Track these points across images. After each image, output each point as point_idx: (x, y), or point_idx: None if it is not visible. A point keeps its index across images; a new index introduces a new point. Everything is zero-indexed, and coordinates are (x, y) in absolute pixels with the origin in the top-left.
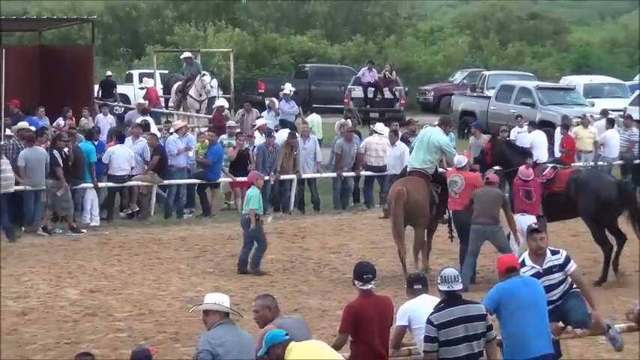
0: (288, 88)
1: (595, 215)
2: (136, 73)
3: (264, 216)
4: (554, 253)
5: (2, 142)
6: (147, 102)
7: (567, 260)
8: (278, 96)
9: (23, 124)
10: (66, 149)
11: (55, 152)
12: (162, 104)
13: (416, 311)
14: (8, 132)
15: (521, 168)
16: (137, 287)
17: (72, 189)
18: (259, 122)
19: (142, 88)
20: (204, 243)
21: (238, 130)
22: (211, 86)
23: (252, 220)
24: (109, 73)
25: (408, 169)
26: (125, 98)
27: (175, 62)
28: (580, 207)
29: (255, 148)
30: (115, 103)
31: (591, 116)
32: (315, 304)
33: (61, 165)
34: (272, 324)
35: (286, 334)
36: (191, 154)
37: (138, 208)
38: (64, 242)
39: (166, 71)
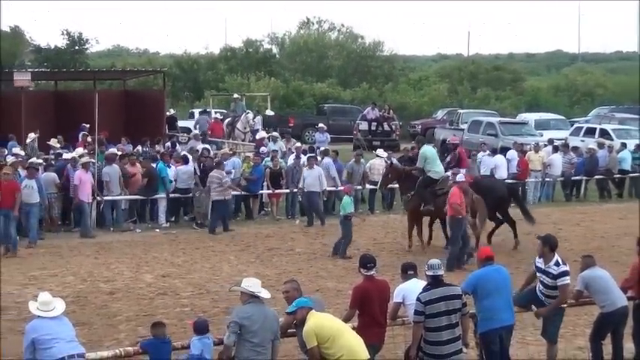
0: (322, 124)
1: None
2: (196, 111)
3: (354, 215)
4: (558, 264)
5: (99, 164)
6: (203, 133)
7: (560, 275)
8: (306, 129)
9: (112, 149)
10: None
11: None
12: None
13: (409, 291)
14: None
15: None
16: (197, 273)
17: (149, 198)
18: (297, 144)
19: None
20: (248, 240)
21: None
22: (254, 121)
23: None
24: (171, 111)
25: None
26: (188, 130)
27: (226, 103)
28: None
29: (287, 167)
30: (180, 134)
31: (539, 144)
32: (332, 286)
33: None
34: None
35: (310, 302)
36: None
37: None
38: (142, 239)
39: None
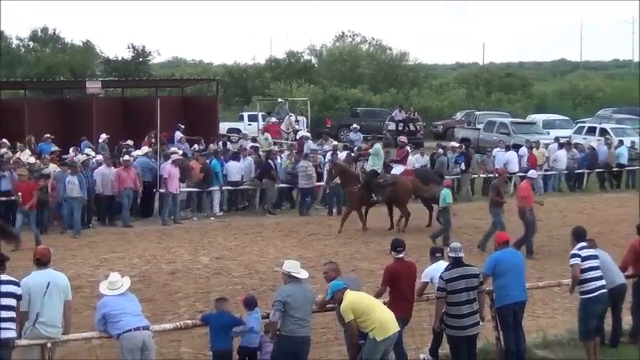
0: (355, 125)
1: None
2: (245, 114)
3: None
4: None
5: (160, 161)
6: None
7: (570, 257)
8: (341, 129)
9: (173, 148)
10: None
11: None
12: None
13: (436, 271)
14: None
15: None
16: (247, 255)
17: (205, 191)
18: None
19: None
20: (291, 226)
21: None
22: (297, 122)
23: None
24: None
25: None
26: (238, 131)
27: (271, 107)
28: None
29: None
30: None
31: (539, 141)
32: (365, 267)
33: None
34: (334, 281)
35: (344, 284)
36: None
37: (247, 203)
38: (199, 226)
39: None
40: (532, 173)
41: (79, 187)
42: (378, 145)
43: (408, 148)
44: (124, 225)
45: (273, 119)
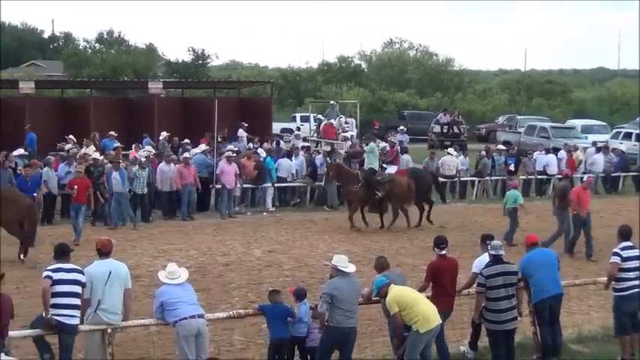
0: (402, 127)
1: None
2: (297, 115)
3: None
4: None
5: (217, 159)
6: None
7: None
8: (389, 131)
9: (230, 146)
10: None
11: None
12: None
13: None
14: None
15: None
16: (297, 249)
17: (258, 187)
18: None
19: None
20: (339, 222)
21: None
22: (347, 124)
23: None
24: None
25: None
26: (290, 131)
27: (322, 109)
28: None
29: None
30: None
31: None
32: (409, 262)
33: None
34: (381, 275)
35: (387, 280)
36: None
37: (299, 200)
38: (252, 221)
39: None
40: (587, 178)
41: (121, 182)
42: (373, 144)
43: (399, 147)
44: (183, 219)
45: (332, 121)
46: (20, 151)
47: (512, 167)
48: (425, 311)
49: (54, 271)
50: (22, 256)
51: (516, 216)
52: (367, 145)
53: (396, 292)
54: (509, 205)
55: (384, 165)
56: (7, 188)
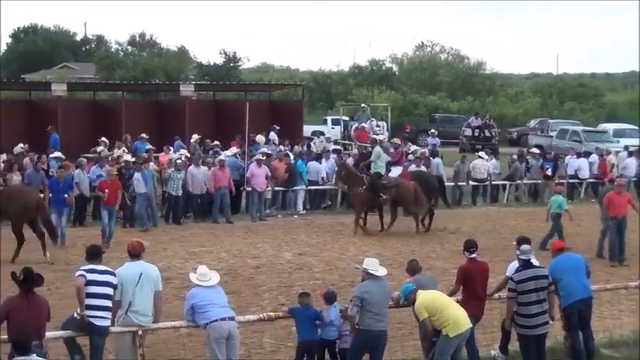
0: (433, 130)
1: None
2: (329, 118)
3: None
4: None
5: (248, 162)
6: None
7: None
8: (420, 134)
9: (263, 149)
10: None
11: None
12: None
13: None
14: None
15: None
16: (328, 252)
17: (289, 190)
18: (413, 148)
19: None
20: (370, 225)
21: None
22: (378, 127)
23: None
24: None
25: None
26: (321, 134)
27: (353, 111)
28: None
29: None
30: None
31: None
32: (440, 265)
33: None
34: (412, 278)
35: (413, 286)
36: None
37: (330, 203)
38: (283, 223)
39: (347, 117)
40: (618, 182)
41: (144, 184)
42: (379, 148)
43: (403, 148)
44: (213, 221)
45: (363, 124)
46: (57, 153)
47: (549, 172)
48: (455, 315)
49: (87, 271)
50: (47, 256)
51: (559, 222)
52: (373, 149)
53: (424, 297)
54: (554, 210)
55: (389, 167)
56: (16, 186)
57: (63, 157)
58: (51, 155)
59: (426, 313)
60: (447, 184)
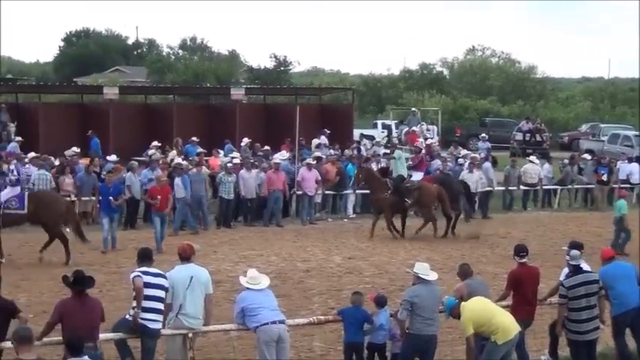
0: (483, 134)
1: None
2: (379, 122)
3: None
4: None
5: (298, 165)
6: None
7: None
8: (470, 138)
9: (317, 153)
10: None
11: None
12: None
13: None
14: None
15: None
16: (378, 256)
17: (339, 193)
18: (463, 152)
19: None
20: (421, 231)
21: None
22: (428, 131)
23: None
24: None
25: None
26: (372, 138)
27: (403, 116)
28: None
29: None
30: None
31: None
32: (490, 270)
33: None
34: (463, 283)
35: (456, 300)
36: None
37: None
38: (333, 227)
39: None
40: None
41: (183, 189)
42: (399, 152)
43: (424, 152)
44: (264, 224)
45: (414, 128)
46: (113, 157)
47: (604, 177)
48: (503, 322)
49: (142, 273)
50: (69, 262)
51: (622, 226)
52: (393, 152)
53: (469, 311)
54: (617, 213)
55: (410, 171)
56: (45, 191)
57: (117, 160)
58: (108, 158)
59: (472, 329)
60: (497, 188)
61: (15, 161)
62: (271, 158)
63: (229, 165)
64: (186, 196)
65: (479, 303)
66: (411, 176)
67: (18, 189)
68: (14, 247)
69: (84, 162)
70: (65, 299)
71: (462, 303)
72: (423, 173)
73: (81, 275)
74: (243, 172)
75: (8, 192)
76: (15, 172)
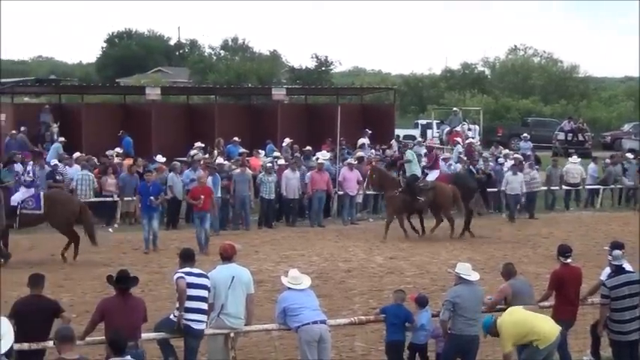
0: (525, 134)
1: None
2: (420, 122)
3: None
4: None
5: (339, 166)
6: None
7: None
8: (512, 138)
9: (360, 154)
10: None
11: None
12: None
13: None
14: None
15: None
16: (419, 256)
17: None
18: (504, 151)
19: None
20: (460, 230)
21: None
22: (469, 129)
23: None
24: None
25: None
26: (413, 138)
27: (445, 115)
28: None
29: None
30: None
31: None
32: (532, 270)
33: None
34: (507, 283)
35: (492, 317)
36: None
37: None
38: (374, 227)
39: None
40: None
41: (213, 188)
42: (412, 151)
43: (438, 151)
44: (310, 225)
45: (457, 128)
46: (159, 157)
47: None
48: (542, 329)
49: (185, 274)
50: (76, 259)
51: None
52: (406, 151)
53: (507, 327)
54: None
55: (426, 170)
56: (57, 191)
57: (163, 160)
58: (155, 158)
59: (511, 346)
60: (539, 188)
61: (31, 162)
62: (313, 158)
63: (269, 165)
64: (218, 195)
65: (516, 315)
66: (426, 175)
67: (32, 190)
68: (56, 248)
69: (127, 162)
70: (108, 297)
71: (498, 320)
72: (438, 172)
73: (125, 274)
74: (287, 172)
75: (23, 192)
76: (31, 174)
